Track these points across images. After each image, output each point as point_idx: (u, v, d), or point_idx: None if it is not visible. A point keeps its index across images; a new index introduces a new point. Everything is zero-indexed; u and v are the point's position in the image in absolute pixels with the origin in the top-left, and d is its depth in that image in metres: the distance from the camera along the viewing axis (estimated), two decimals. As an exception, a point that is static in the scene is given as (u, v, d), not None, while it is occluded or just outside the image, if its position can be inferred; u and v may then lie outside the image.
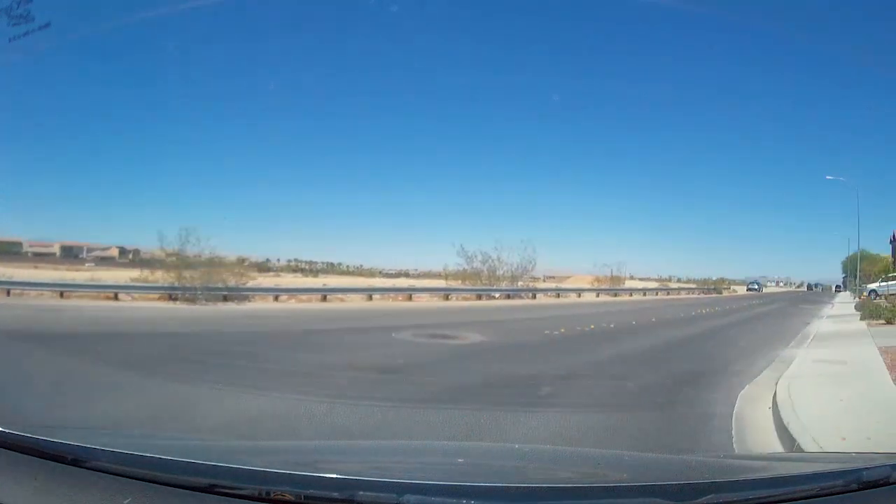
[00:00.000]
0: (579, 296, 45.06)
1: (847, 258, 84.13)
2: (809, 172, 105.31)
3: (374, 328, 18.70)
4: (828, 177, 54.95)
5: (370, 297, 32.15)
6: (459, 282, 42.44)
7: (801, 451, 5.49)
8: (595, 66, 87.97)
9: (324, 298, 30.06)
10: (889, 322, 20.00)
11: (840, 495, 1.85)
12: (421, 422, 6.94)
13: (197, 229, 29.15)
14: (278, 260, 63.26)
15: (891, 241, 62.13)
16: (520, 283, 44.10)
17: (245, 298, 27.60)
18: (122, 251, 59.55)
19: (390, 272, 61.32)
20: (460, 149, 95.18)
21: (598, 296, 45.78)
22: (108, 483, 1.92)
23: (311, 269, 61.76)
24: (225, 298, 26.58)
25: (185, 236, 28.89)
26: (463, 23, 70.07)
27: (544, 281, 57.15)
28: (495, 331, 18.59)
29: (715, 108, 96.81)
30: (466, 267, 43.40)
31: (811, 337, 17.63)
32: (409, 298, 34.01)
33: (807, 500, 1.83)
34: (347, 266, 66.08)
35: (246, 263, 57.38)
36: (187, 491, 1.87)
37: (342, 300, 30.57)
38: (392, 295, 34.47)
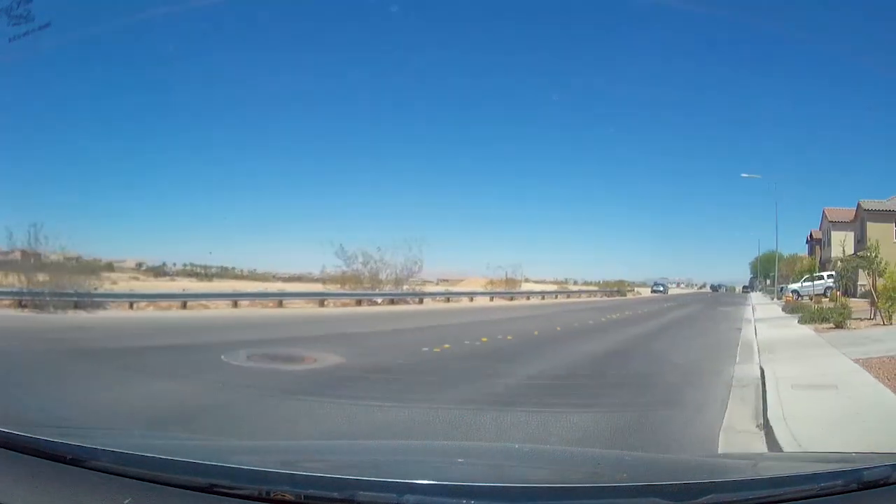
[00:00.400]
0: (471, 300, 42.43)
1: (756, 259, 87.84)
2: (714, 172, 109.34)
3: (208, 345, 14.52)
4: (743, 174, 54.89)
5: (235, 304, 29.75)
6: (338, 286, 39.46)
7: (801, 451, 5.35)
8: (484, 64, 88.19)
9: (184, 305, 27.77)
10: (839, 326, 17.97)
11: (840, 495, 1.89)
12: None
13: (46, 226, 28.70)
14: (174, 264, 65.55)
15: (808, 242, 64.36)
16: (405, 287, 41.28)
17: (100, 305, 25.46)
18: (24, 254, 58.64)
19: (283, 276, 60.39)
20: (352, 146, 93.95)
21: (492, 300, 43.30)
22: (108, 483, 1.98)
23: (206, 274, 61.77)
24: (76, 305, 24.52)
25: (35, 235, 28.35)
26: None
27: (438, 284, 56.33)
28: (361, 347, 14.81)
29: (613, 104, 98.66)
30: (346, 269, 40.55)
31: (756, 347, 15.14)
32: (280, 304, 31.16)
33: (807, 500, 1.86)
34: (241, 270, 67.13)
35: (143, 268, 61.91)
36: (187, 491, 1.92)
37: (206, 307, 28.43)
38: (262, 301, 31.83)
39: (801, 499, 1.87)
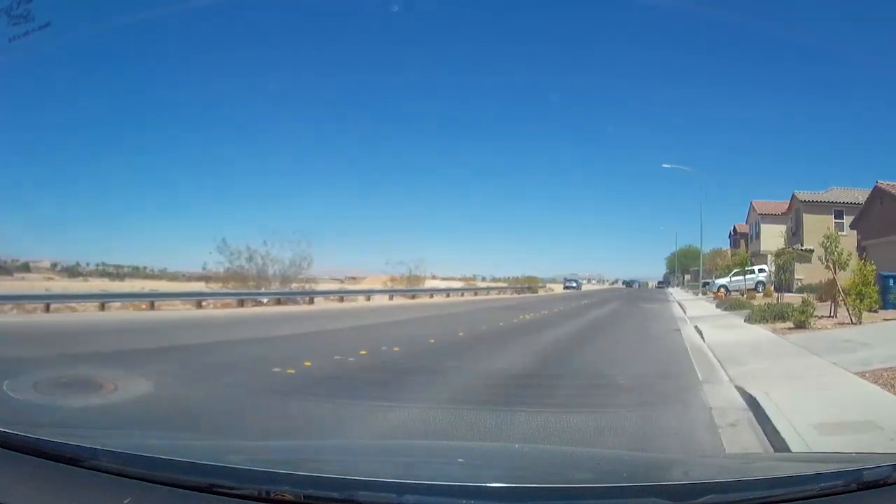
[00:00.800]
0: (368, 299, 38.73)
1: (674, 254, 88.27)
2: (626, 166, 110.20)
3: (8, 362, 10.39)
4: (665, 164, 53.02)
5: (103, 306, 26.69)
6: (220, 285, 35.97)
7: (801, 451, 5.21)
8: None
9: (47, 308, 24.84)
10: (800, 326, 15.33)
11: (840, 495, 1.90)
12: None
13: None
14: (87, 264, 67.67)
15: (731, 236, 63.95)
16: (294, 285, 37.34)
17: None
18: None
19: (193, 274, 57.99)
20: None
21: (391, 298, 39.81)
22: (108, 483, 2.00)
23: (118, 273, 63.06)
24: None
25: None
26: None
27: (345, 282, 56.38)
28: (192, 367, 10.79)
29: (519, 95, 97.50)
30: (230, 266, 36.79)
31: (713, 356, 12.20)
32: (152, 306, 27.60)
33: (807, 501, 1.87)
34: (152, 269, 68.80)
35: (58, 268, 64.26)
36: (187, 491, 1.93)
37: (73, 309, 25.92)
38: (136, 302, 28.70)
39: (802, 499, 1.86)
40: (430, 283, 52.34)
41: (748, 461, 3.69)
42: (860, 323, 15.40)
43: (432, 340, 14.51)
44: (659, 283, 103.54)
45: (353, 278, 62.17)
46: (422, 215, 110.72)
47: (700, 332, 16.26)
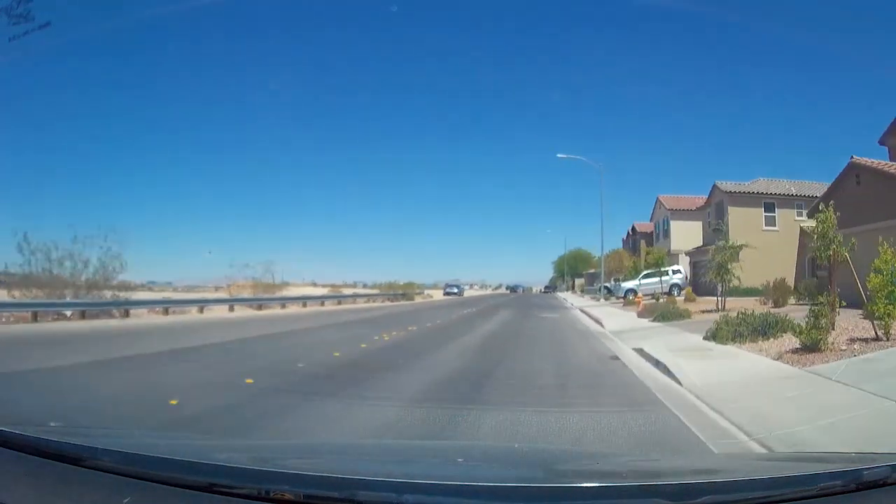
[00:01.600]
0: (201, 310, 31.66)
1: (562, 257, 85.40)
2: (511, 166, 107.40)
3: None
4: (560, 155, 48.40)
5: None
6: (19, 292, 29.04)
7: (801, 451, 5.15)
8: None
9: None
10: (813, 348, 10.02)
11: (840, 495, 1.88)
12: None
13: None
14: None
15: (629, 236, 60.34)
16: (108, 294, 29.97)
17: None
18: None
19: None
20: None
21: (232, 309, 32.90)
22: (108, 482, 1.98)
23: (7, 282, 53.67)
24: None
25: None
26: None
27: (226, 289, 50.34)
28: None
29: (391, 83, 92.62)
30: (29, 269, 30.01)
31: (732, 426, 6.41)
32: None
33: (806, 501, 1.86)
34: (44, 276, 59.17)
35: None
36: (187, 490, 1.92)
37: None
38: None
39: (801, 499, 1.85)
40: (295, 290, 46.96)
41: (748, 461, 3.67)
42: (887, 338, 10.35)
43: (174, 402, 7.66)
44: (545, 287, 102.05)
45: (240, 286, 56.46)
46: (294, 219, 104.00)
47: (657, 362, 10.46)
